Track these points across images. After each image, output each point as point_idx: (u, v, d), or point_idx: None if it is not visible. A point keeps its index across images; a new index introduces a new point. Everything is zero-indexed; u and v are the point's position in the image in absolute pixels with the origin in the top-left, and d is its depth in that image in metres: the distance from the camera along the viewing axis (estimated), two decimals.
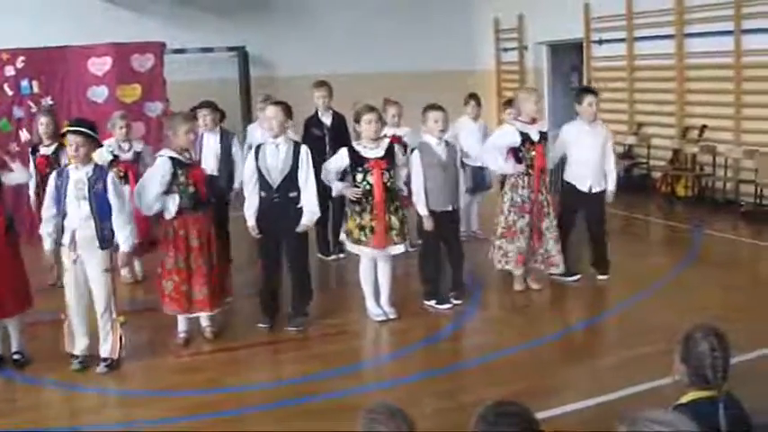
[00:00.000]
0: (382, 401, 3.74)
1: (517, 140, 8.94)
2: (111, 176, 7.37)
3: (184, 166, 7.80)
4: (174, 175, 7.73)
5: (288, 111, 8.17)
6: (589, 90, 9.77)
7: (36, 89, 12.57)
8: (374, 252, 8.36)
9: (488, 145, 9.23)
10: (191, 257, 7.84)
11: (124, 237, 7.35)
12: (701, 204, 13.82)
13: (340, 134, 10.47)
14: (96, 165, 7.38)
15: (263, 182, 8.09)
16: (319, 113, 10.70)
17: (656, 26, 14.74)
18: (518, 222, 9.05)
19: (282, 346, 8.08)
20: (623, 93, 15.69)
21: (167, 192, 7.75)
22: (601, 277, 9.60)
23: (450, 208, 8.72)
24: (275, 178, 8.06)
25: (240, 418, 6.43)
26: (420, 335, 8.21)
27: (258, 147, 8.24)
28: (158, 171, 7.74)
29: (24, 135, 11.90)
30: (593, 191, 9.40)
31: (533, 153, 8.96)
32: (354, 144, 8.35)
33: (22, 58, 12.56)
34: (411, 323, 8.48)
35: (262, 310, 8.44)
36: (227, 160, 10.12)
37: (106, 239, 7.27)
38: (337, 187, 8.43)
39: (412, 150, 8.93)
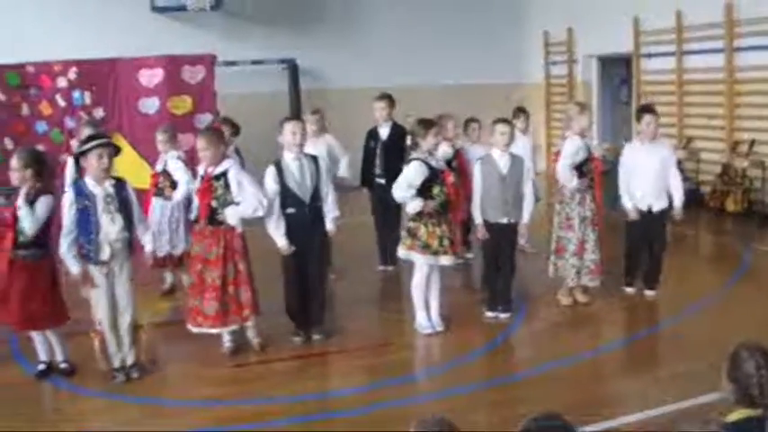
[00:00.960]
0: (433, 414, 3.73)
1: (584, 155, 8.95)
2: (128, 186, 7.47)
3: (202, 180, 7.97)
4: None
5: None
6: (648, 109, 9.71)
7: (88, 100, 12.69)
8: (447, 262, 8.38)
9: (563, 164, 8.99)
10: (204, 272, 7.90)
11: (147, 239, 7.64)
12: (750, 219, 13.64)
13: (395, 147, 10.30)
14: (115, 177, 7.41)
15: (292, 198, 8.10)
16: (378, 125, 10.76)
17: (706, 40, 14.61)
18: (590, 236, 9.06)
19: (329, 358, 8.12)
20: (672, 107, 15.55)
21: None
22: (648, 292, 9.51)
23: (505, 220, 8.72)
24: (305, 194, 8.11)
25: (286, 428, 6.47)
26: (468, 348, 8.21)
27: (278, 164, 8.17)
28: (186, 181, 8.15)
29: (76, 145, 12.05)
30: (654, 210, 9.31)
31: (592, 166, 8.98)
32: (422, 156, 8.23)
33: (74, 69, 12.69)
34: (458, 336, 8.49)
35: (294, 325, 8.46)
36: None
37: (131, 248, 7.41)
38: (416, 203, 8.18)
39: (475, 162, 8.99)
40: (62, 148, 12.19)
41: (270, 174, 8.11)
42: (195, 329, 8.03)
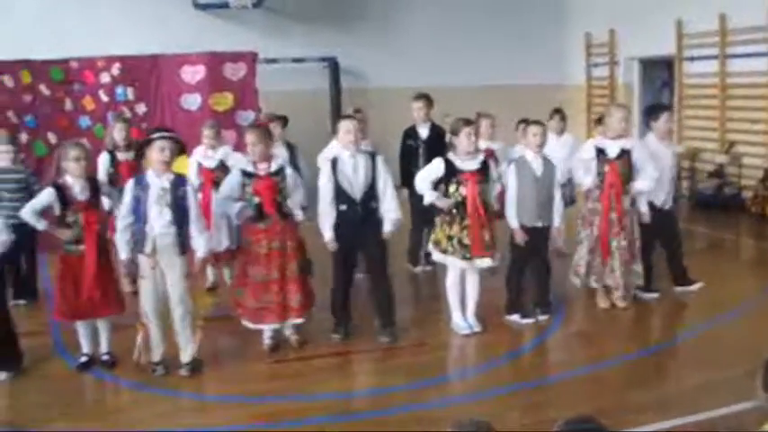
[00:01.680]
0: (470, 416, 3.74)
1: (590, 155, 8.95)
2: (189, 184, 7.55)
3: (252, 177, 7.96)
4: (243, 186, 7.93)
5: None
6: (665, 107, 9.65)
7: (130, 96, 12.85)
8: (462, 264, 8.36)
9: (577, 162, 9.19)
10: (259, 268, 7.96)
11: (201, 243, 7.55)
12: None
13: (435, 146, 10.29)
14: (176, 173, 7.49)
15: (343, 195, 8.14)
16: (416, 125, 10.78)
17: (750, 43, 14.48)
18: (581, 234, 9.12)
19: (366, 356, 8.14)
20: (714, 110, 15.45)
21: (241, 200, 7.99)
22: (678, 289, 9.51)
23: (540, 224, 8.72)
24: (357, 191, 8.14)
25: (321, 427, 6.48)
26: (504, 349, 8.20)
27: (334, 160, 8.23)
28: (229, 179, 8.06)
29: (117, 135, 12.19)
30: (666, 207, 9.37)
31: (606, 168, 8.91)
32: (450, 155, 8.32)
33: (117, 65, 12.85)
34: (495, 337, 8.47)
35: (335, 321, 8.49)
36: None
37: (184, 245, 7.45)
38: (431, 197, 8.35)
39: (509, 163, 8.97)
40: (104, 142, 12.29)
41: (324, 170, 8.20)
42: (251, 325, 8.13)
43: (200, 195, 9.27)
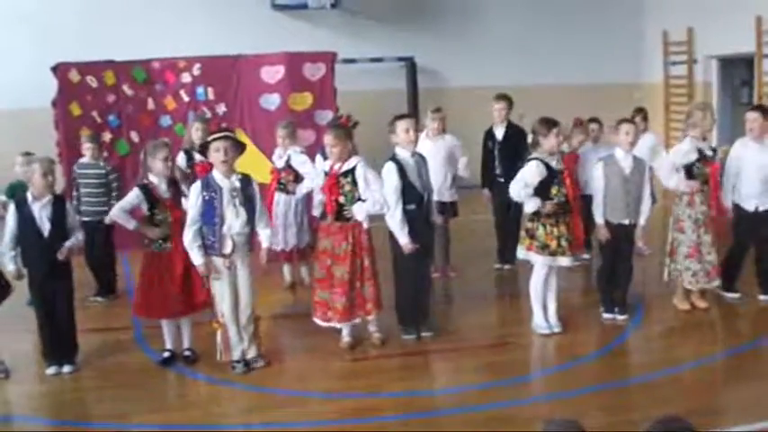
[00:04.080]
0: (561, 416, 3.72)
1: (695, 156, 8.82)
2: (254, 182, 7.59)
3: (326, 176, 8.06)
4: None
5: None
6: (756, 107, 9.52)
7: (211, 96, 12.98)
8: (568, 262, 8.38)
9: (666, 162, 9.07)
10: (332, 267, 8.02)
11: (266, 235, 7.70)
12: None
13: (512, 147, 10.33)
14: (241, 172, 7.53)
15: (411, 194, 8.14)
16: (494, 125, 10.78)
17: None
18: (703, 239, 8.89)
19: (445, 355, 8.14)
20: None
21: None
22: (763, 297, 9.31)
23: (626, 222, 8.64)
24: (422, 190, 8.20)
25: (399, 423, 6.53)
26: (585, 349, 8.16)
27: (397, 161, 8.18)
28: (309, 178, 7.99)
29: (195, 136, 12.34)
30: (759, 210, 9.16)
31: (708, 169, 8.84)
32: (541, 156, 8.22)
33: (198, 65, 12.99)
34: (575, 337, 8.44)
35: (405, 322, 8.48)
36: None
37: (252, 243, 7.56)
38: (535, 204, 8.17)
39: (597, 162, 8.90)
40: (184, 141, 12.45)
41: (392, 170, 8.11)
42: (324, 323, 8.19)
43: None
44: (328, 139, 7.98)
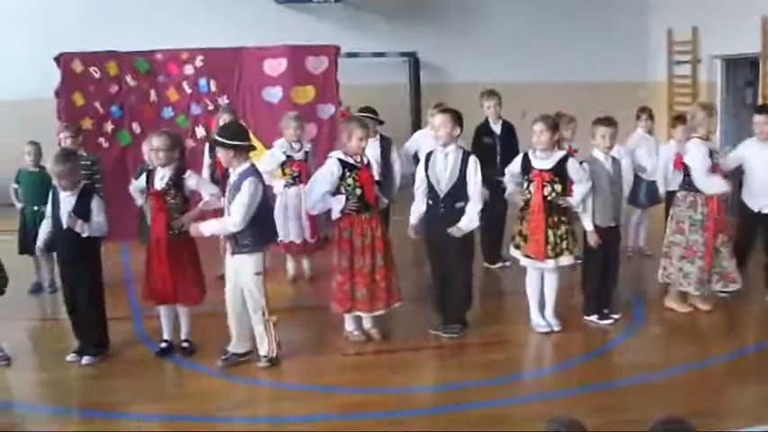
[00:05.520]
0: (563, 414, 3.73)
1: (708, 160, 8.69)
2: (249, 178, 7.29)
3: (353, 169, 7.97)
4: (342, 177, 7.91)
5: (457, 119, 8.13)
6: (763, 108, 9.51)
7: (213, 88, 12.96)
8: (534, 263, 8.34)
9: (702, 167, 8.67)
10: (354, 258, 8.02)
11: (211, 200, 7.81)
12: None
13: (510, 143, 10.60)
14: (244, 169, 7.39)
15: (430, 190, 8.18)
16: (490, 122, 10.77)
17: None
18: (699, 241, 8.77)
19: (444, 352, 8.14)
20: None
21: (335, 193, 7.96)
22: None
23: (613, 224, 8.63)
24: (443, 187, 8.12)
25: (396, 420, 6.53)
26: (581, 349, 8.16)
27: (429, 154, 8.27)
28: (327, 171, 7.95)
29: (200, 131, 12.30)
30: (764, 212, 9.15)
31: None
32: (530, 152, 8.30)
33: (200, 57, 12.98)
34: (572, 337, 8.43)
35: (442, 318, 8.46)
36: (386, 166, 10.30)
37: (245, 244, 7.38)
38: (510, 189, 8.50)
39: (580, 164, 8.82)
40: (186, 133, 12.45)
41: (421, 162, 8.31)
42: (346, 314, 8.23)
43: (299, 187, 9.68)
44: (359, 132, 7.96)
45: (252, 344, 7.72)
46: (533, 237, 8.20)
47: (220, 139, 7.33)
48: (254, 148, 7.66)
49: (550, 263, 8.27)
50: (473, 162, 8.09)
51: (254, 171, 7.34)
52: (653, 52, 19.34)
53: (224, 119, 10.25)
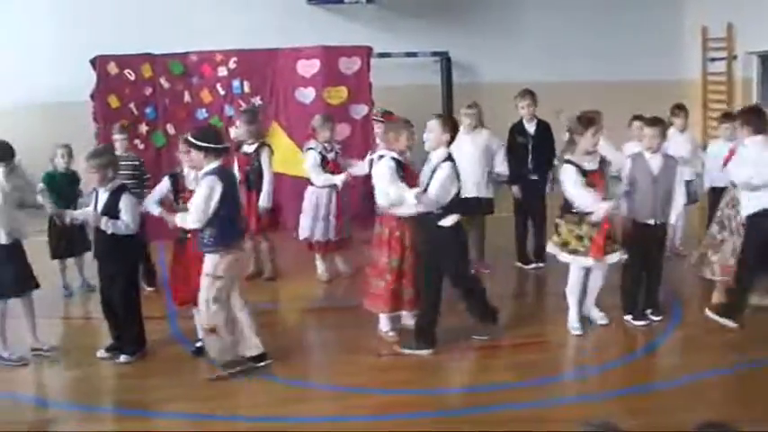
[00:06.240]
0: (599, 417, 3.72)
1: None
2: (206, 178, 7.32)
3: (405, 168, 8.02)
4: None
5: (447, 124, 8.02)
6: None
7: (247, 89, 13.04)
8: (590, 262, 8.29)
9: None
10: (404, 258, 8.05)
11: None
12: None
13: (543, 142, 10.62)
14: (208, 170, 7.36)
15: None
16: (524, 121, 10.77)
17: None
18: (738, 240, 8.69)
19: (478, 353, 8.14)
20: None
21: None
22: None
23: (653, 221, 8.52)
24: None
25: (431, 420, 6.56)
26: (617, 351, 8.12)
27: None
28: (390, 169, 7.89)
29: (234, 132, 12.38)
30: None
31: None
32: (572, 158, 8.22)
33: (234, 59, 13.06)
34: (609, 338, 8.40)
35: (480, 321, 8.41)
36: None
37: (205, 243, 7.37)
38: (595, 201, 8.06)
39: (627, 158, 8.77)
40: None
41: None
42: (377, 311, 8.27)
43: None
44: (412, 135, 8.06)
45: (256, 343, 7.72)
46: (599, 236, 8.16)
47: (192, 140, 7.36)
48: (226, 150, 7.74)
49: (614, 257, 8.31)
50: (442, 167, 7.83)
51: (216, 172, 7.30)
52: (687, 49, 19.18)
53: (243, 120, 10.36)
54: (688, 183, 10.57)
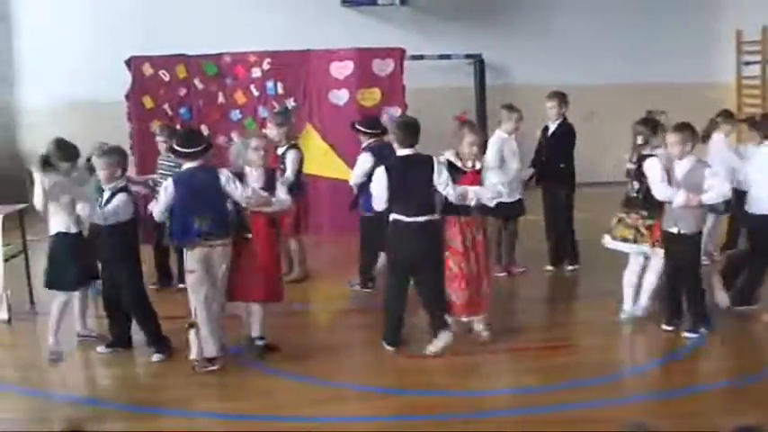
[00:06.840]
0: (633, 419, 3.71)
1: None
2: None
3: (458, 173, 7.98)
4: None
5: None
6: None
7: (280, 90, 13.11)
8: (648, 249, 8.36)
9: None
10: (456, 261, 8.01)
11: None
12: None
13: (560, 143, 10.62)
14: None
15: None
16: (549, 122, 10.82)
17: None
18: None
19: (508, 355, 8.10)
20: None
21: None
22: None
23: (675, 230, 8.20)
24: None
25: (460, 422, 6.56)
26: (653, 354, 8.11)
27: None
28: (444, 171, 7.86)
29: (269, 133, 12.44)
30: None
31: None
32: (656, 153, 8.33)
33: (268, 60, 13.14)
34: (644, 341, 8.40)
35: None
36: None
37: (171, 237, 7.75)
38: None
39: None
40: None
41: None
42: (465, 318, 8.20)
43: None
44: (470, 138, 8.01)
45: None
46: (655, 228, 8.28)
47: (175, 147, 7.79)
48: (209, 147, 7.95)
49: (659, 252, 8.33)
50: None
51: (179, 172, 7.80)
52: (721, 52, 19.05)
53: (277, 121, 10.38)
54: None
